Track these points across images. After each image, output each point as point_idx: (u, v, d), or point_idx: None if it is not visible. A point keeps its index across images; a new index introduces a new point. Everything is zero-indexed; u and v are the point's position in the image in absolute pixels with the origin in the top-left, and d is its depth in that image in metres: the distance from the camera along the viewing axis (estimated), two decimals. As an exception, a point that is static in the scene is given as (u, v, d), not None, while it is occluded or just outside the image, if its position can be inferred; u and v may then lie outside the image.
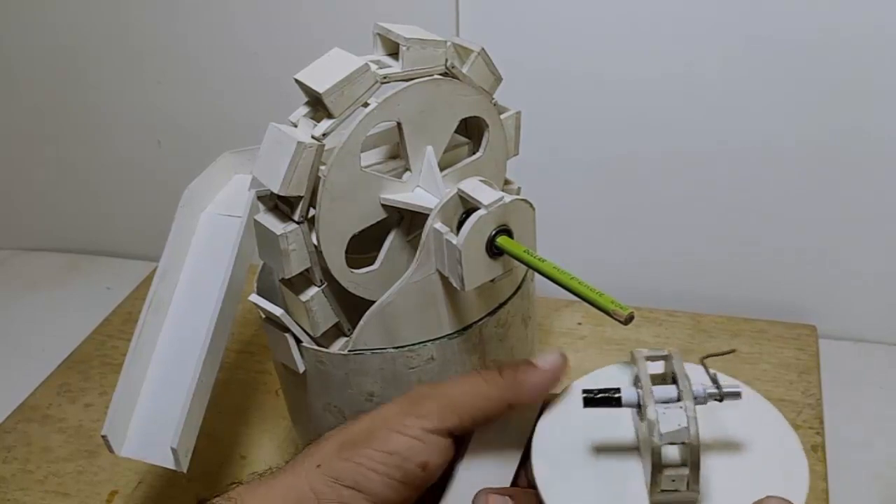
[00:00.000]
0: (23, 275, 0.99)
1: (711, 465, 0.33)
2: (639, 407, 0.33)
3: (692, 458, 0.31)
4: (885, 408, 0.69)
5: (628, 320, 0.36)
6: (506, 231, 0.44)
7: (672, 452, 0.32)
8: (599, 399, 0.33)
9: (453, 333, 0.48)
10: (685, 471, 0.31)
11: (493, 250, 0.44)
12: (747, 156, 0.73)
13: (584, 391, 0.34)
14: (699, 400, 0.32)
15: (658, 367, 0.35)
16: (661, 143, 0.74)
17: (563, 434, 0.36)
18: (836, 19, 0.64)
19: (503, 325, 0.50)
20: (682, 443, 0.31)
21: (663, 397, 0.33)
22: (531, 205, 0.45)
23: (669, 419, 0.31)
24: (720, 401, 0.33)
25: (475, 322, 0.49)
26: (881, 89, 0.67)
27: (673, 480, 0.32)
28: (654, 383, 0.34)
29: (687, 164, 0.75)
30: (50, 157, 0.98)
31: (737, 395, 0.32)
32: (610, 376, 0.39)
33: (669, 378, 0.34)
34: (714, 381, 0.33)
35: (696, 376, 0.34)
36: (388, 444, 0.34)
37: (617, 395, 0.33)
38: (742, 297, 0.80)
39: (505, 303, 0.50)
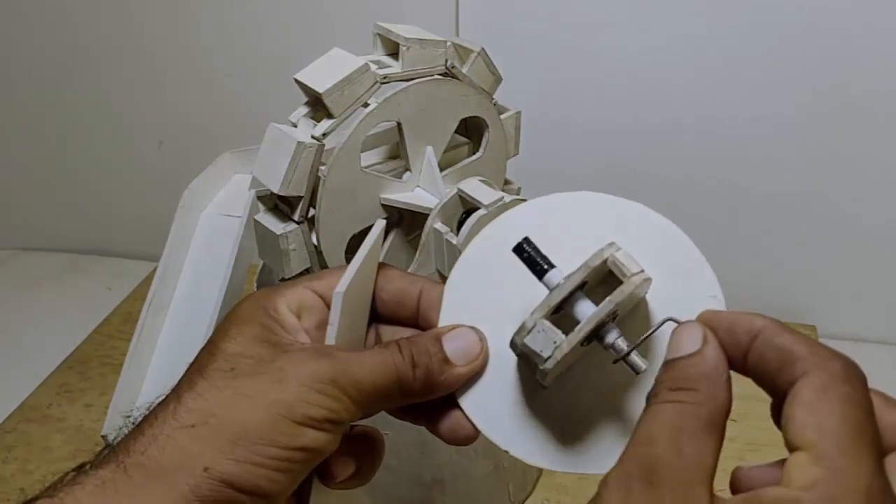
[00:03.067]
0: (23, 275, 0.99)
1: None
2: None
3: (540, 374, 0.29)
4: (885, 408, 0.69)
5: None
6: (506, 231, 0.44)
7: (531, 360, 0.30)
8: (526, 258, 0.31)
9: (453, 333, 0.48)
10: (534, 372, 0.30)
11: (493, 250, 0.44)
12: (747, 156, 0.73)
13: (526, 242, 0.31)
14: (593, 340, 0.30)
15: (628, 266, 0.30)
16: (662, 144, 0.74)
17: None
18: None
19: (503, 325, 0.50)
20: (535, 363, 0.29)
21: (575, 314, 0.30)
22: (531, 205, 0.45)
23: (538, 340, 0.29)
24: (615, 362, 0.30)
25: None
26: (883, 90, 0.67)
27: (521, 363, 0.31)
28: (592, 287, 0.30)
29: (686, 164, 0.75)
30: (50, 157, 0.98)
31: (637, 370, 0.29)
32: (576, 218, 0.35)
33: (609, 290, 0.29)
34: (623, 355, 0.29)
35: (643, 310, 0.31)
36: (297, 439, 0.29)
37: (543, 269, 0.30)
38: (742, 297, 0.79)
39: (505, 303, 0.50)
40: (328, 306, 0.33)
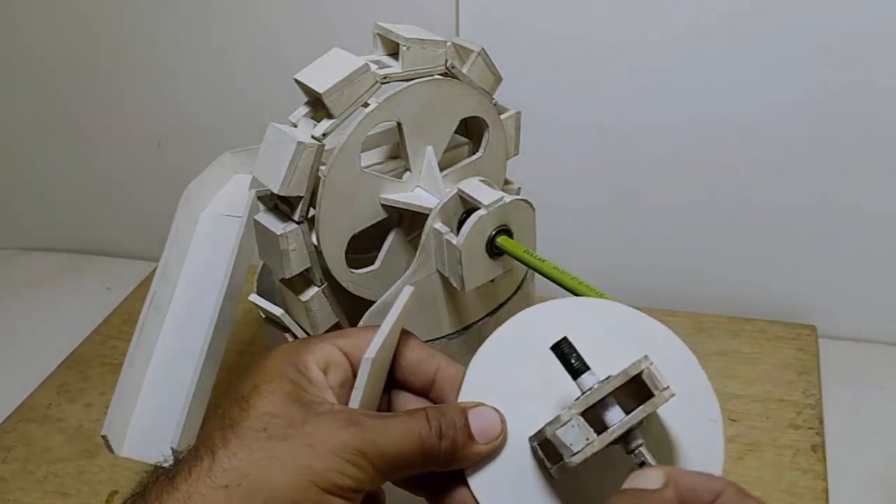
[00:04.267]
0: (23, 275, 0.99)
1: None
2: (580, 393, 0.32)
3: (560, 467, 0.31)
4: (885, 408, 0.69)
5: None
6: (506, 231, 0.44)
7: (556, 452, 0.31)
8: (568, 359, 0.32)
9: (453, 333, 0.48)
10: (551, 465, 0.31)
11: (493, 250, 0.44)
12: (747, 156, 0.73)
13: (564, 341, 0.33)
14: (618, 443, 0.31)
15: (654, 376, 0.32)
16: (662, 144, 0.74)
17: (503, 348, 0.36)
18: None
19: (503, 325, 0.50)
20: (561, 455, 0.31)
21: (601, 414, 0.31)
22: (531, 205, 0.45)
23: (570, 433, 0.30)
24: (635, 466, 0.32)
25: (475, 322, 0.49)
26: (884, 91, 0.67)
27: (539, 451, 0.32)
28: (628, 394, 0.32)
29: (687, 165, 0.75)
30: (50, 157, 0.98)
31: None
32: (603, 325, 0.36)
33: (640, 404, 0.31)
34: (642, 463, 0.31)
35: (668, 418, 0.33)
36: None
37: (581, 370, 0.32)
38: (742, 297, 0.80)
39: (505, 303, 0.50)
40: (352, 365, 0.35)
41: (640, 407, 0.31)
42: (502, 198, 0.43)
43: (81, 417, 0.73)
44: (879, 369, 0.74)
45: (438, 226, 0.44)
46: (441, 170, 0.47)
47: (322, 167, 0.43)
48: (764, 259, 0.78)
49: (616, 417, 0.31)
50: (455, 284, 0.44)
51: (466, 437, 0.33)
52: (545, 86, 0.74)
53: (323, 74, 0.43)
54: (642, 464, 0.31)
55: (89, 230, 1.02)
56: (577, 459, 0.30)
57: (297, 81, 0.44)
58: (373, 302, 0.46)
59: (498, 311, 0.50)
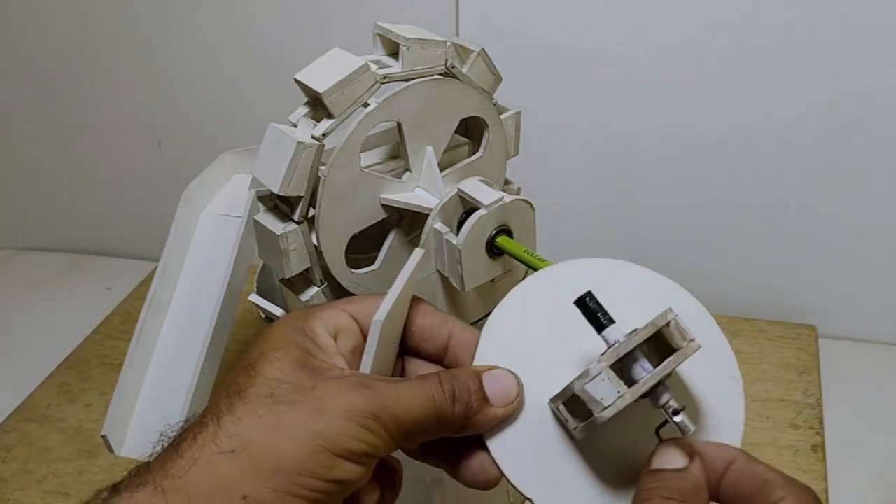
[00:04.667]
0: (23, 275, 0.99)
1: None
2: (607, 347, 0.31)
3: (589, 424, 0.30)
4: (885, 408, 0.69)
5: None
6: (506, 231, 0.44)
7: (585, 409, 0.31)
8: (594, 313, 0.32)
9: (453, 333, 0.48)
10: (579, 422, 0.31)
11: (493, 250, 0.44)
12: (747, 157, 0.73)
13: (589, 295, 0.32)
14: (646, 397, 0.31)
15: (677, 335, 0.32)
16: (662, 144, 0.74)
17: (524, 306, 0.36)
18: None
19: (503, 325, 0.50)
20: (590, 410, 0.30)
21: (629, 368, 0.31)
22: (531, 205, 0.45)
23: (601, 387, 0.29)
24: (664, 423, 0.32)
25: (475, 322, 0.49)
26: (883, 95, 0.67)
27: (561, 415, 0.32)
28: (648, 349, 0.31)
29: (687, 165, 0.75)
30: (50, 157, 0.98)
31: (686, 430, 0.30)
32: (617, 283, 0.36)
33: (662, 359, 0.31)
34: (676, 412, 0.31)
35: (694, 371, 0.33)
36: (335, 472, 0.29)
37: (607, 323, 0.31)
38: (742, 297, 0.80)
39: (505, 303, 0.50)
40: (363, 331, 0.34)
41: (670, 358, 0.30)
42: (502, 198, 0.43)
43: (81, 417, 0.73)
44: (879, 369, 0.74)
45: (438, 226, 0.44)
46: (441, 170, 0.47)
47: (322, 167, 0.43)
48: (764, 259, 0.78)
49: (644, 371, 0.30)
50: (455, 284, 0.44)
51: (481, 400, 0.32)
52: (545, 86, 0.74)
53: (323, 74, 0.43)
54: (676, 411, 0.30)
55: (89, 230, 1.02)
56: (608, 414, 0.29)
57: (297, 81, 0.44)
58: (373, 302, 0.46)
59: (498, 311, 0.50)
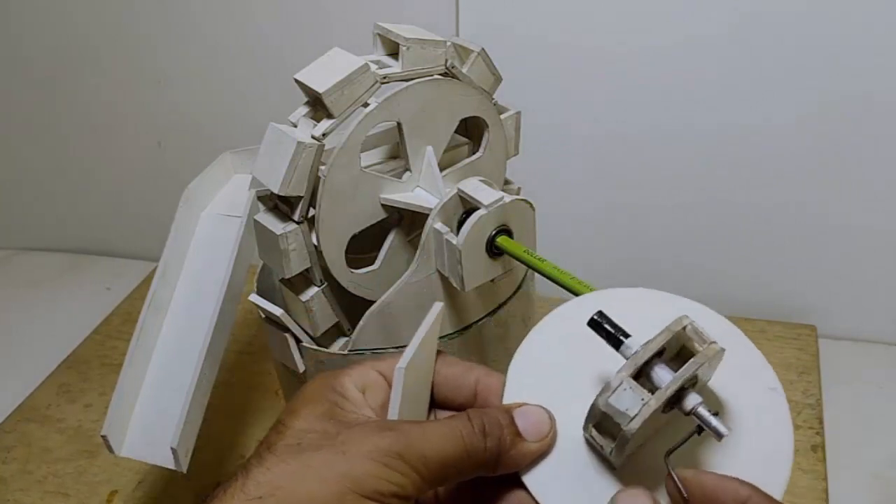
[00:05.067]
0: (23, 275, 0.99)
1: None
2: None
3: (620, 440, 0.29)
4: (885, 408, 0.69)
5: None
6: (506, 231, 0.44)
7: (613, 424, 0.30)
8: (605, 329, 0.31)
9: (453, 333, 0.48)
10: (612, 443, 0.30)
11: (493, 250, 0.44)
12: (747, 157, 0.73)
13: (599, 314, 0.32)
14: (674, 406, 0.30)
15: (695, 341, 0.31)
16: (662, 144, 0.74)
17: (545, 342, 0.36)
18: None
19: (503, 325, 0.50)
20: (618, 424, 0.29)
21: (651, 379, 0.30)
22: (531, 205, 0.45)
23: (624, 398, 0.29)
24: (699, 433, 0.31)
25: (475, 322, 0.49)
26: (883, 95, 0.67)
27: (595, 440, 0.31)
28: (668, 356, 0.31)
29: (687, 165, 0.75)
30: (50, 158, 0.98)
31: (718, 434, 0.29)
32: (635, 308, 0.35)
33: (682, 365, 0.30)
34: (705, 416, 0.30)
35: (721, 379, 0.32)
36: None
37: (621, 339, 0.31)
38: (742, 297, 0.80)
39: (505, 303, 0.50)
40: (390, 386, 0.34)
41: (691, 360, 0.29)
42: (502, 198, 0.43)
43: (81, 417, 0.73)
44: (879, 369, 0.74)
45: (438, 226, 0.44)
46: (441, 170, 0.47)
47: (322, 167, 0.43)
48: (764, 259, 0.78)
49: (667, 377, 0.30)
50: (455, 284, 0.44)
51: (514, 434, 0.31)
52: (545, 86, 0.74)
53: (323, 74, 0.43)
54: (701, 428, 0.29)
55: (89, 230, 1.02)
56: (635, 425, 0.28)
57: (297, 81, 0.44)
58: (373, 302, 0.46)
59: (498, 311, 0.50)
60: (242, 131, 0.80)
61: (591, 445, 0.32)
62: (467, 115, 0.48)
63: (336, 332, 0.49)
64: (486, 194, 0.43)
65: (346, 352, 0.47)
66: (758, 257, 0.78)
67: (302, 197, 0.44)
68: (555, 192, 0.79)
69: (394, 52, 0.46)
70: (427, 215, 0.44)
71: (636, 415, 0.28)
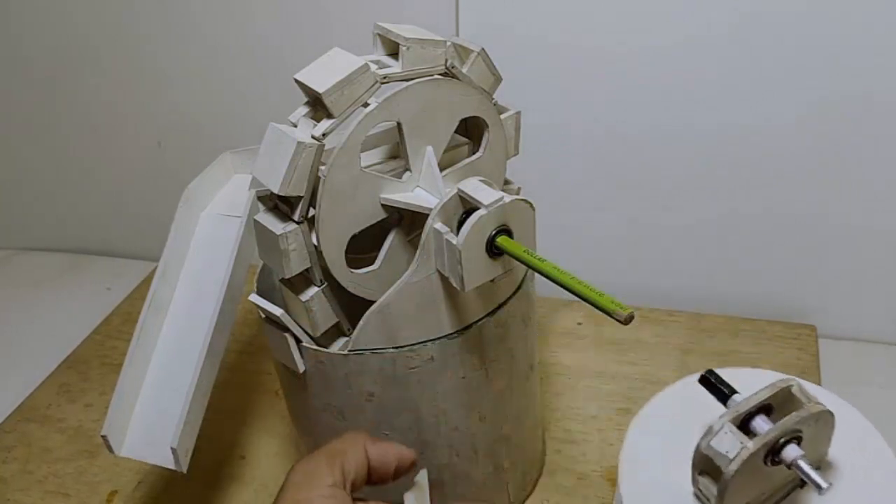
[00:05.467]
0: (23, 275, 0.99)
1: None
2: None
3: (720, 487, 0.31)
4: (885, 408, 0.69)
5: (628, 320, 0.35)
6: (506, 231, 0.44)
7: (714, 468, 0.31)
8: (713, 385, 0.34)
9: (453, 333, 0.48)
10: (714, 489, 0.31)
11: (493, 250, 0.44)
12: (747, 157, 0.73)
13: (710, 372, 0.34)
14: (769, 454, 0.31)
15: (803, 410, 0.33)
16: (662, 144, 0.74)
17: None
18: None
19: (503, 325, 0.50)
20: (719, 467, 0.31)
21: (753, 428, 0.32)
22: (531, 205, 0.45)
23: (724, 441, 0.31)
24: (801, 486, 0.32)
25: (475, 322, 0.49)
26: (883, 96, 0.67)
27: (702, 491, 0.32)
28: (776, 412, 0.32)
29: (687, 165, 0.75)
30: (50, 157, 0.98)
31: (818, 486, 0.30)
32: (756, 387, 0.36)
33: (791, 428, 0.31)
34: (807, 469, 0.31)
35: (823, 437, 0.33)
36: None
37: (727, 394, 0.33)
38: (742, 297, 0.80)
39: (505, 303, 0.50)
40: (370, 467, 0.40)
41: (793, 413, 0.31)
42: (502, 198, 0.43)
43: (81, 417, 0.73)
44: (879, 369, 0.74)
45: (438, 226, 0.44)
46: (441, 170, 0.47)
47: (322, 167, 0.43)
48: (764, 259, 0.78)
49: (766, 425, 0.31)
50: (455, 284, 0.44)
51: None
52: (545, 86, 0.74)
53: (323, 74, 0.43)
54: (803, 483, 0.31)
55: (89, 230, 1.02)
56: (734, 467, 0.30)
57: (297, 81, 0.44)
58: (373, 302, 0.46)
59: (498, 311, 0.50)
60: (242, 131, 0.80)
61: (699, 499, 0.33)
62: (467, 115, 0.48)
63: (336, 332, 0.49)
64: (486, 194, 0.43)
65: (346, 352, 0.47)
66: (758, 257, 0.78)
67: (302, 197, 0.44)
68: (555, 192, 0.79)
69: (394, 52, 0.46)
70: (427, 215, 0.44)
71: (735, 457, 0.30)
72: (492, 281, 0.45)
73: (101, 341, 0.83)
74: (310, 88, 0.43)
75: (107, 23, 0.86)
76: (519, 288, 0.51)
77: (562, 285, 0.40)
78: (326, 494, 0.37)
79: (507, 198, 0.43)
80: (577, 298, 0.39)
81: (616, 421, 0.67)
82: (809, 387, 0.35)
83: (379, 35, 0.46)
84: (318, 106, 0.44)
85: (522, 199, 0.44)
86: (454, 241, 0.43)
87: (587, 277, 0.39)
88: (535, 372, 0.57)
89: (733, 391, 0.33)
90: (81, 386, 0.77)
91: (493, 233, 0.43)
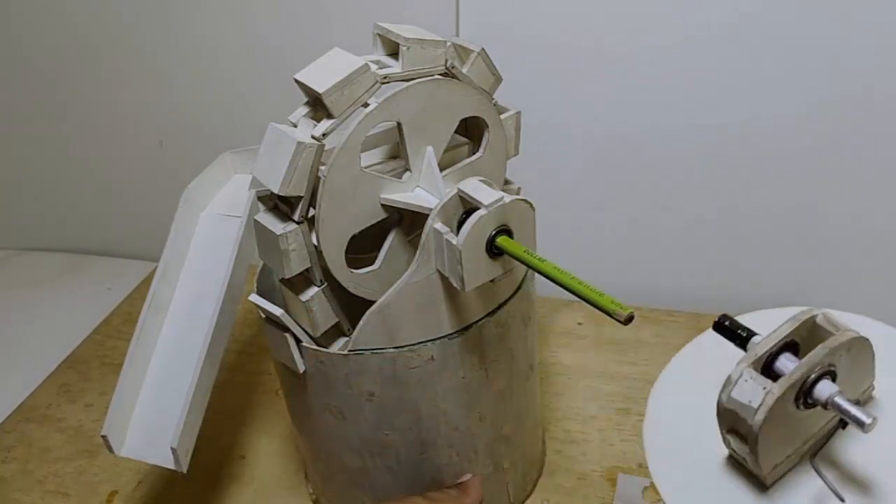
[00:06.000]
0: (23, 275, 0.99)
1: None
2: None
3: (750, 442, 0.27)
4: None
5: (628, 320, 0.35)
6: (506, 231, 0.44)
7: (741, 422, 0.27)
8: (728, 328, 0.30)
9: (453, 333, 0.48)
10: (746, 448, 0.28)
11: (493, 250, 0.44)
12: (747, 156, 0.73)
13: (724, 316, 0.31)
14: (800, 396, 0.27)
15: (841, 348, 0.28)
16: (662, 144, 0.74)
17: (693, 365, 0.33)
18: None
19: (503, 325, 0.50)
20: (745, 419, 0.27)
21: (774, 366, 0.28)
22: (531, 205, 0.45)
23: (746, 389, 0.27)
24: (843, 427, 0.28)
25: (475, 322, 0.49)
26: (885, 90, 0.67)
27: (735, 450, 0.29)
28: (802, 350, 0.28)
29: (687, 164, 0.75)
30: (50, 157, 0.98)
31: (860, 422, 0.27)
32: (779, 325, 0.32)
33: (820, 362, 0.27)
34: (847, 407, 0.27)
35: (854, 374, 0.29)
36: None
37: (745, 336, 0.29)
38: (742, 296, 0.80)
39: (505, 303, 0.50)
40: None
41: (820, 345, 0.27)
42: (502, 198, 0.43)
43: (81, 417, 0.73)
44: (879, 369, 0.74)
45: (438, 226, 0.44)
46: (441, 170, 0.47)
47: (322, 167, 0.43)
48: (764, 259, 0.78)
49: (791, 363, 0.27)
50: (455, 284, 0.44)
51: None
52: (545, 86, 0.74)
53: (323, 74, 0.43)
54: (845, 422, 0.27)
55: (89, 230, 1.02)
56: (760, 417, 0.26)
57: (297, 81, 0.44)
58: (373, 302, 0.46)
59: (498, 311, 0.50)
60: (242, 131, 0.80)
61: (736, 460, 0.29)
62: (467, 115, 0.48)
63: (336, 332, 0.49)
64: (486, 194, 0.43)
65: (346, 352, 0.47)
66: (758, 256, 0.78)
67: (302, 197, 0.44)
68: (555, 192, 0.79)
69: (394, 53, 0.46)
70: (427, 215, 0.44)
71: (760, 405, 0.26)
72: (492, 281, 0.45)
73: (101, 341, 0.83)
74: (310, 88, 0.43)
75: (107, 23, 0.86)
76: (519, 288, 0.51)
77: (562, 285, 0.40)
78: None
79: (508, 198, 0.43)
80: (577, 298, 0.39)
81: (616, 421, 0.67)
82: (841, 315, 0.30)
83: (379, 35, 0.46)
84: (318, 106, 0.44)
85: (522, 199, 0.44)
86: (454, 241, 0.43)
87: (587, 277, 0.39)
88: (535, 372, 0.57)
89: (752, 333, 0.29)
90: (81, 386, 0.77)
91: (493, 233, 0.43)
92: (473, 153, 0.51)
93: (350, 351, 0.47)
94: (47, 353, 0.82)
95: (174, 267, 0.59)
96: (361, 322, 0.46)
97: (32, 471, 0.68)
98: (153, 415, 0.54)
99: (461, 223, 0.44)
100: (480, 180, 0.45)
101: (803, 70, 0.67)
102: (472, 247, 0.43)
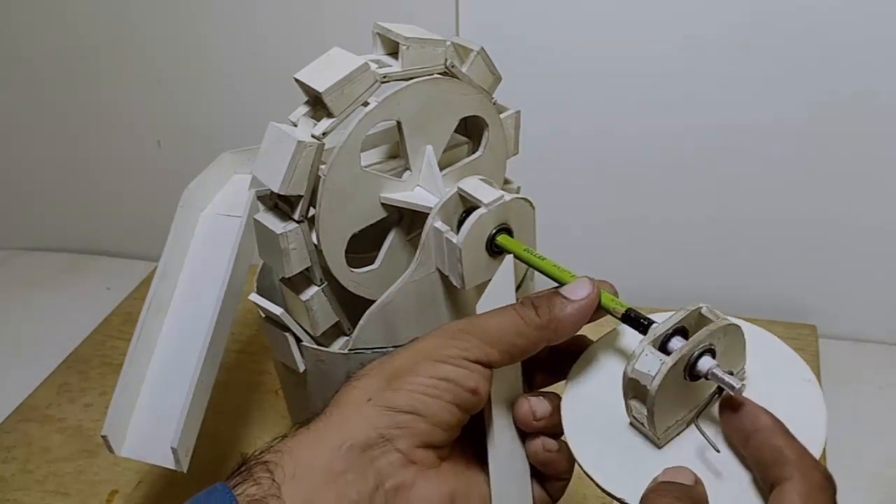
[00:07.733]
0: (23, 275, 0.99)
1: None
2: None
3: (648, 404, 0.33)
4: (885, 408, 0.69)
5: (626, 317, 0.36)
6: (506, 230, 0.44)
7: (641, 389, 0.34)
8: (633, 318, 0.36)
9: (453, 333, 0.48)
10: (644, 410, 0.34)
11: (493, 249, 0.44)
12: (747, 157, 0.73)
13: (630, 309, 0.36)
14: (687, 368, 0.34)
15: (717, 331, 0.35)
16: (661, 144, 0.74)
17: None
18: None
19: (503, 325, 0.50)
20: (644, 386, 0.33)
21: (668, 346, 0.35)
22: (531, 203, 0.45)
23: (646, 361, 0.33)
24: (720, 393, 0.34)
25: (475, 321, 0.49)
26: (884, 91, 0.67)
27: (636, 416, 0.35)
28: (690, 333, 0.35)
29: (687, 164, 0.75)
30: (50, 157, 0.98)
31: (732, 387, 0.33)
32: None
33: (703, 341, 0.34)
34: (726, 374, 0.33)
35: (732, 355, 0.36)
36: (437, 371, 0.35)
37: (646, 324, 0.35)
38: (742, 297, 0.80)
39: (505, 302, 0.50)
40: None
41: (703, 328, 0.34)
42: (502, 196, 0.43)
43: (81, 417, 0.73)
44: (879, 369, 0.74)
45: (438, 224, 0.44)
46: (441, 169, 0.47)
47: (322, 166, 0.43)
48: (764, 259, 0.78)
49: (681, 343, 0.34)
50: (455, 283, 0.44)
51: (560, 298, 0.37)
52: (545, 85, 0.74)
53: (323, 74, 0.43)
54: (721, 389, 0.33)
55: (89, 230, 1.02)
56: (657, 382, 0.32)
57: (297, 81, 0.44)
58: (373, 301, 0.46)
59: (498, 311, 0.50)
60: (242, 131, 0.80)
61: (637, 428, 0.35)
62: (467, 115, 0.48)
63: (336, 331, 0.49)
64: (486, 193, 0.43)
65: (346, 351, 0.47)
66: (758, 257, 0.78)
67: (302, 196, 0.44)
68: (555, 191, 0.79)
69: (394, 52, 0.46)
70: (427, 214, 0.44)
71: (656, 373, 0.33)
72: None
73: (101, 341, 0.83)
74: (310, 88, 0.43)
75: (106, 23, 0.86)
76: (519, 286, 0.51)
77: (562, 284, 0.40)
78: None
79: (508, 196, 0.43)
80: (577, 297, 0.39)
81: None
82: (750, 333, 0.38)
83: (379, 34, 0.46)
84: (318, 105, 0.44)
85: (522, 198, 0.45)
86: (454, 240, 0.43)
87: (587, 275, 0.39)
88: (535, 371, 0.57)
89: (652, 321, 0.36)
90: (81, 386, 0.77)
91: (494, 231, 0.44)
92: (473, 152, 0.51)
93: (350, 350, 0.47)
94: (47, 353, 0.81)
95: (174, 267, 0.59)
96: (362, 321, 0.46)
97: (32, 471, 0.68)
98: (153, 415, 0.54)
99: (461, 222, 0.44)
100: (480, 179, 0.45)
101: (804, 71, 0.67)
102: (473, 245, 0.43)
